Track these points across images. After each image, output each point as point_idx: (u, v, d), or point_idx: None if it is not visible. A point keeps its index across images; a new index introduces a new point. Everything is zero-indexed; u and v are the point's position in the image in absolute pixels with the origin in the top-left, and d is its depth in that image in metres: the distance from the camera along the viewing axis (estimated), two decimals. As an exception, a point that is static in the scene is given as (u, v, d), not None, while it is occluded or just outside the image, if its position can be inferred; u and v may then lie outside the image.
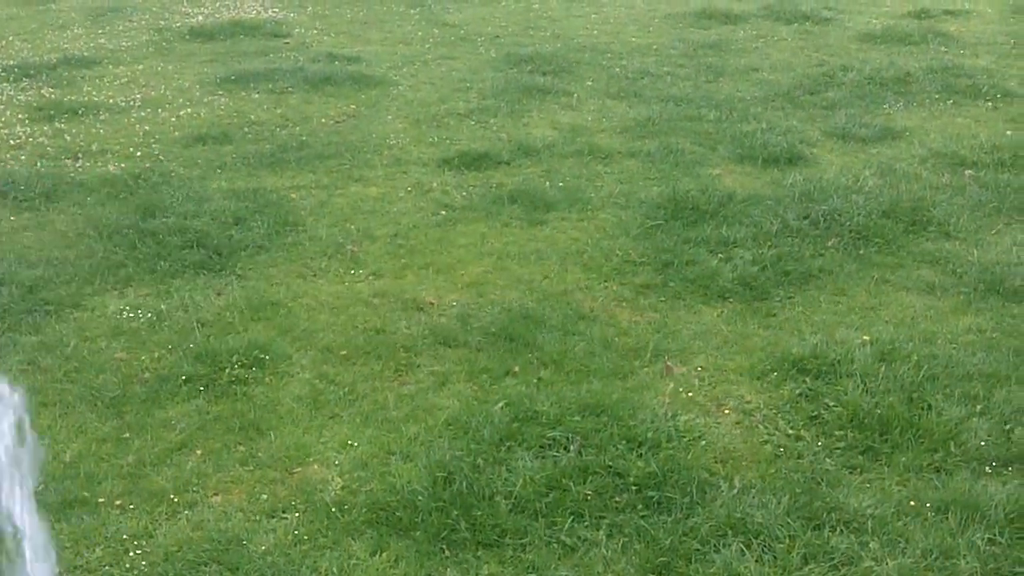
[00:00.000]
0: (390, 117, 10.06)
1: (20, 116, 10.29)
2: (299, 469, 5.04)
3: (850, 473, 4.92)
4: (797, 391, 5.53)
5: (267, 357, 5.93)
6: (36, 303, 6.59)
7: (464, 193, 8.22)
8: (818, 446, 5.11)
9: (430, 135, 9.50)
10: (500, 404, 5.39)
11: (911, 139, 9.18)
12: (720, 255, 7.01)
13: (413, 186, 8.37)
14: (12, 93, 11.04)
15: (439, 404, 5.50)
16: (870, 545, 4.41)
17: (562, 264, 7.04)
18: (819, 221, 7.42)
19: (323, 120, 10.00)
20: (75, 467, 5.07)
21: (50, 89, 11.15)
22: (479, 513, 4.61)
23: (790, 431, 5.23)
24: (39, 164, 8.95)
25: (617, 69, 11.47)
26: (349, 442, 5.20)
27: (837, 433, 5.18)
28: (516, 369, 5.80)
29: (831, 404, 5.36)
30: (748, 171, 8.52)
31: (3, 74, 11.71)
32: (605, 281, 6.79)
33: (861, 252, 7.07)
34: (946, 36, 12.53)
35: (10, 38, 13.39)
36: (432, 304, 6.56)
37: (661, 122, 9.69)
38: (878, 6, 14.08)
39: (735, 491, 4.73)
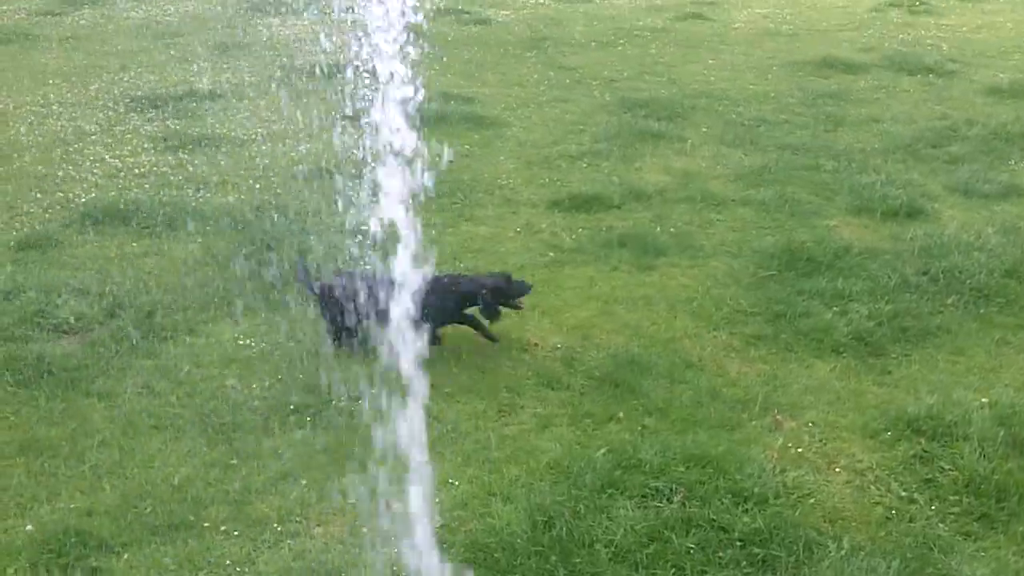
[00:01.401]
0: (502, 157, 10.12)
1: (146, 146, 10.59)
2: (399, 504, 5.04)
3: (964, 540, 4.77)
4: (911, 452, 5.38)
5: (373, 391, 5.96)
6: (153, 328, 6.75)
7: (573, 235, 8.21)
8: (931, 510, 4.96)
9: (541, 176, 9.52)
10: (603, 450, 5.35)
11: (1036, 197, 8.94)
12: (835, 308, 6.87)
13: (523, 227, 8.39)
14: (139, 123, 11.37)
15: (541, 447, 5.47)
16: (984, 616, 4.26)
17: (670, 311, 6.97)
18: (939, 278, 7.24)
19: (436, 158, 10.08)
20: (183, 491, 5.15)
21: (175, 120, 11.46)
22: (578, 560, 4.56)
23: (903, 493, 5.09)
24: (162, 193, 9.19)
25: (733, 116, 11.39)
26: (450, 480, 5.20)
27: (952, 498, 5.02)
28: (620, 415, 5.74)
29: (946, 467, 5.21)
30: (866, 223, 8.36)
31: (131, 104, 12.08)
32: (714, 330, 6.71)
33: (982, 311, 6.88)
34: (1076, 92, 12.20)
35: (139, 70, 13.81)
36: (537, 345, 6.54)
37: (777, 170, 9.58)
38: (1005, 59, 13.75)
39: (843, 552, 4.62)
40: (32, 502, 5.13)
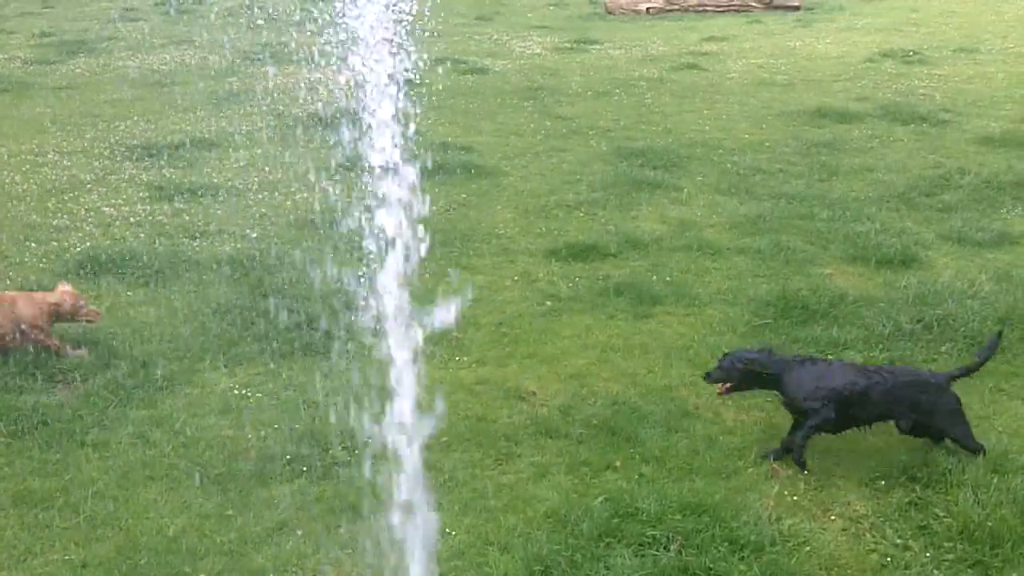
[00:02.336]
0: (499, 207, 10.16)
1: (141, 195, 10.64)
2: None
3: (960, 587, 4.75)
4: (906, 499, 5.38)
5: (370, 440, 5.96)
6: (148, 378, 6.75)
7: (570, 284, 8.24)
8: (926, 557, 4.96)
9: (538, 225, 9.57)
10: (600, 499, 5.34)
11: (1029, 245, 8.98)
12: (830, 356, 6.88)
13: (520, 275, 8.42)
14: (135, 172, 11.43)
15: (538, 495, 5.46)
16: (982, 666, 4.24)
17: (667, 359, 6.98)
18: (933, 325, 7.26)
19: (434, 208, 10.14)
20: (178, 542, 5.14)
21: (171, 169, 11.52)
22: (576, 610, 4.54)
23: (898, 540, 5.09)
24: (157, 242, 9.22)
25: (728, 165, 11.46)
26: (447, 530, 5.18)
27: (946, 544, 5.02)
28: (617, 464, 5.74)
29: (941, 514, 5.21)
30: (860, 272, 8.40)
31: (127, 153, 12.14)
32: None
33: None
34: (1068, 141, 12.27)
35: (135, 118, 13.90)
36: (534, 394, 6.55)
37: (772, 219, 9.63)
38: (997, 109, 13.86)
39: (840, 601, 4.60)
40: (26, 554, 5.11)
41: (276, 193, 10.63)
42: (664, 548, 4.92)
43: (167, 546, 5.11)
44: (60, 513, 5.41)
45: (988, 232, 9.22)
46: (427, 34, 19.92)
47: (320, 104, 14.57)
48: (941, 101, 14.32)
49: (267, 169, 11.49)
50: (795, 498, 5.43)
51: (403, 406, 4.56)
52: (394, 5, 5.44)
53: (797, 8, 22.84)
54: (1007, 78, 15.73)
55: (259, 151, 12.24)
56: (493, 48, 19.16)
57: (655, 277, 8.31)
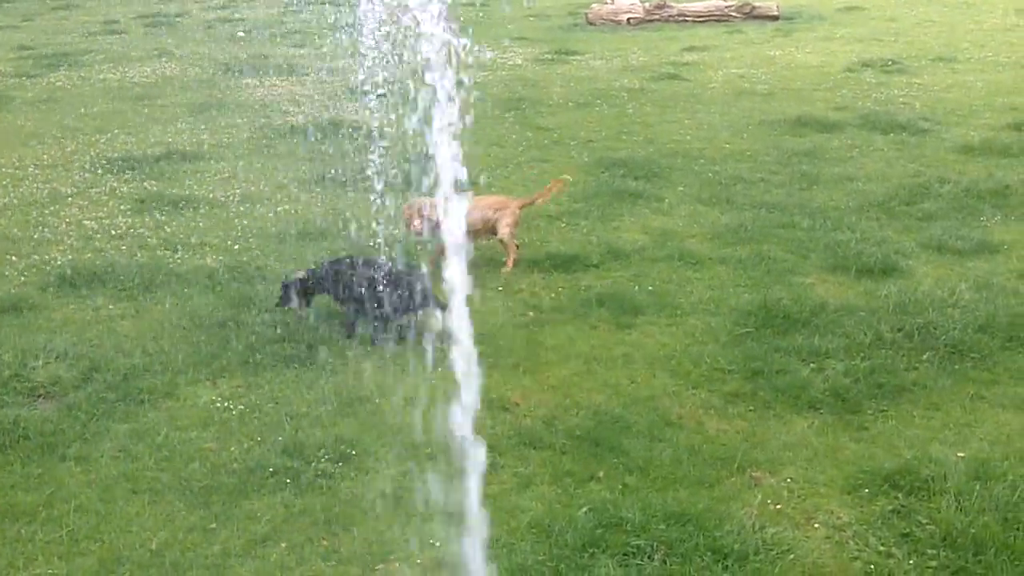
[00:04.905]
0: (482, 217, 10.15)
1: (123, 207, 10.61)
2: (381, 566, 5.03)
3: (943, 595, 4.78)
4: (889, 507, 5.40)
5: (353, 452, 5.96)
6: (130, 391, 6.73)
7: (552, 295, 8.25)
8: (909, 564, 4.98)
9: (520, 236, 9.57)
10: (584, 509, 5.35)
11: (1009, 253, 9.02)
12: (812, 365, 6.92)
13: (502, 286, 8.43)
14: (116, 185, 11.40)
15: (522, 506, 5.47)
16: (965, 672, 4.26)
17: (649, 369, 7.00)
18: (913, 334, 7.30)
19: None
20: (161, 556, 5.12)
21: (152, 182, 11.50)
22: (560, 620, 4.55)
23: (881, 548, 5.11)
24: (139, 255, 9.20)
25: (710, 175, 11.49)
26: (431, 541, 5.18)
27: (929, 552, 5.04)
28: (601, 474, 5.75)
29: (924, 522, 5.23)
30: (841, 281, 8.44)
31: (107, 166, 12.11)
32: (693, 388, 6.73)
33: (956, 367, 6.93)
34: (1046, 149, 12.35)
35: (115, 131, 13.86)
36: (517, 405, 6.55)
37: (753, 229, 9.66)
38: (976, 118, 13.94)
39: (824, 609, 4.61)
40: (8, 568, 5.08)
41: (258, 205, 10.62)
42: (648, 558, 4.93)
43: (150, 560, 5.09)
44: (42, 527, 5.38)
45: (968, 240, 9.27)
46: (406, 46, 19.96)
47: (300, 116, 14.58)
48: (920, 110, 14.41)
49: (249, 181, 11.48)
50: (778, 507, 5.45)
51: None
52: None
53: (776, 18, 22.94)
54: (986, 86, 15.83)
55: (241, 163, 12.23)
56: (474, 60, 19.17)
57: (637, 287, 8.33)
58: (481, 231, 8.79)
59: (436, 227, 8.13)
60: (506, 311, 7.95)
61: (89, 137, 13.55)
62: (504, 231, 8.77)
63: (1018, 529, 5.13)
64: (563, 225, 9.91)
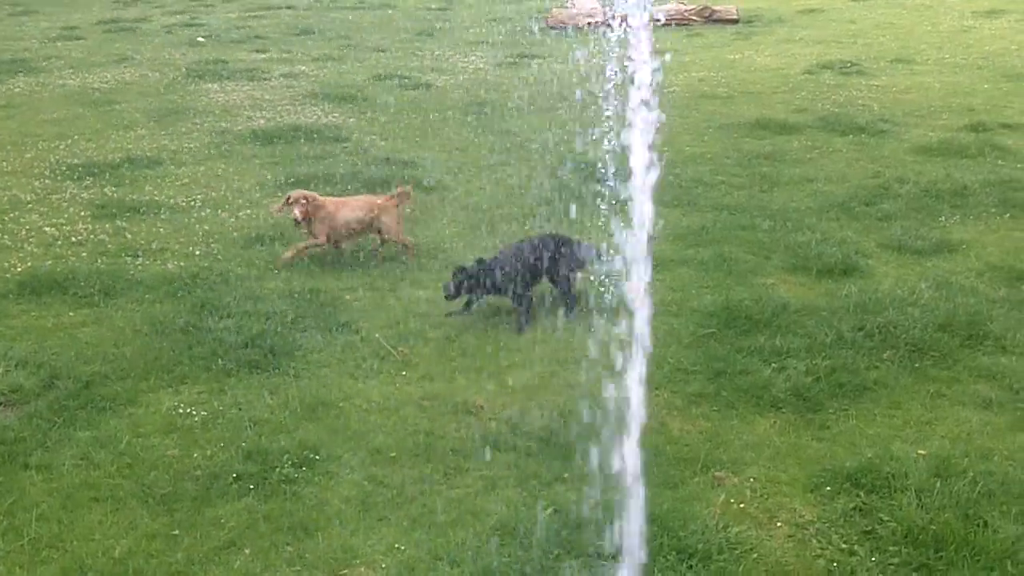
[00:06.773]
0: (444, 221, 10.17)
1: (83, 214, 10.52)
2: (346, 571, 5.01)
3: (905, 591, 4.82)
4: (851, 505, 5.44)
5: (317, 457, 5.94)
6: (92, 398, 6.67)
7: (517, 298, 8.25)
8: (872, 562, 5.02)
9: (484, 239, 9.58)
10: (549, 510, 5.35)
11: (967, 252, 9.12)
12: (773, 365, 6.96)
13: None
14: (76, 191, 11.30)
15: (488, 509, 5.47)
16: (927, 667, 4.30)
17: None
18: (874, 333, 7.36)
19: (379, 223, 10.10)
20: (124, 563, 5.08)
21: (113, 188, 11.41)
22: (526, 622, 4.55)
23: (843, 545, 5.15)
24: (99, 261, 9.12)
25: (671, 177, 11.51)
26: (396, 545, 5.18)
27: (891, 549, 5.09)
28: (566, 476, 5.76)
29: (885, 519, 5.28)
30: (802, 281, 8.50)
31: (67, 172, 12.01)
32: (656, 389, 6.75)
33: (916, 365, 7.00)
34: (1003, 150, 12.48)
35: (75, 137, 13.74)
36: (482, 408, 6.55)
37: (715, 230, 9.72)
38: (934, 119, 14.10)
39: (787, 607, 4.65)
40: (-31, 578, 5.04)
41: (220, 211, 10.56)
42: (613, 559, 4.94)
43: (113, 568, 5.06)
44: (4, 536, 5.33)
45: (927, 240, 9.37)
46: (370, 50, 19.96)
47: (262, 121, 14.52)
48: (879, 111, 14.54)
49: (210, 186, 11.41)
50: (741, 506, 5.48)
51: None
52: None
53: (736, 21, 23.07)
54: (943, 88, 16.00)
55: (202, 168, 12.16)
56: (436, 64, 19.18)
57: (601, 289, 8.34)
58: (358, 231, 9.16)
59: (307, 218, 8.92)
60: (470, 314, 7.94)
61: (49, 143, 13.43)
62: (393, 229, 9.12)
63: (978, 525, 5.18)
64: (527, 228, 9.90)
